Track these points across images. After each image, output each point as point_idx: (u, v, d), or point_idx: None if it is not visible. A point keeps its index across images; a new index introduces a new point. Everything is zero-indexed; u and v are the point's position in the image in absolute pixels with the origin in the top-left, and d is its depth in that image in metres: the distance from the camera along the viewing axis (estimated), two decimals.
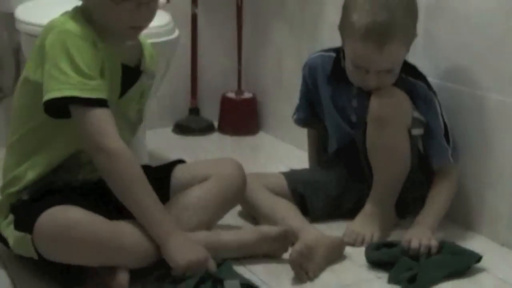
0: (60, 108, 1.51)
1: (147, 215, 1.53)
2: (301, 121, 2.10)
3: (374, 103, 1.79)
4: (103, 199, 1.60)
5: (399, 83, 1.83)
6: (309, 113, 2.06)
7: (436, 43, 1.93)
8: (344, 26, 1.81)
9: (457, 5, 1.86)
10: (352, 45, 1.79)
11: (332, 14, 2.11)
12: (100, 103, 1.51)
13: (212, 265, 1.55)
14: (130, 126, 1.71)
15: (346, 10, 1.80)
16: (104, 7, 1.54)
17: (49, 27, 1.55)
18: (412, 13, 1.80)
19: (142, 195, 1.53)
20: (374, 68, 1.77)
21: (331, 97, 1.95)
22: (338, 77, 1.91)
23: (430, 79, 1.89)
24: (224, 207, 1.76)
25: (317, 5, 2.37)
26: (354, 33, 1.75)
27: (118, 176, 1.52)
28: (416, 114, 1.83)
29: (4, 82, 2.50)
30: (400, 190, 1.86)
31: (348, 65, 1.83)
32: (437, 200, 1.82)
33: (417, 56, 1.93)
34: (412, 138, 1.83)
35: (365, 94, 1.85)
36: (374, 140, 1.81)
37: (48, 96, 1.49)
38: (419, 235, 1.70)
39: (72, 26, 1.53)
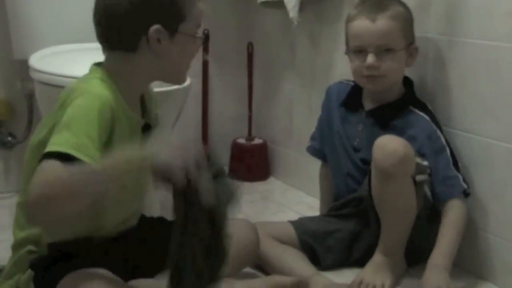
0: None
1: (116, 166, 1.30)
2: (314, 150, 2.12)
3: (378, 155, 1.76)
4: (122, 254, 1.57)
5: (405, 113, 1.88)
6: (322, 143, 2.08)
7: (446, 92, 1.94)
8: (345, 27, 1.91)
9: (465, 56, 1.87)
10: (349, 31, 1.88)
11: (342, 65, 2.13)
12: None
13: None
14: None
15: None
16: (185, 46, 1.52)
17: (80, 92, 1.42)
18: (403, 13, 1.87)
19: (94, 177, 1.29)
20: (370, 43, 1.83)
21: (342, 123, 1.99)
22: (351, 103, 1.97)
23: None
24: (237, 266, 1.73)
25: (327, 55, 2.39)
26: (350, 17, 1.87)
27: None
28: (419, 160, 1.80)
29: (17, 128, 2.52)
30: (408, 238, 1.85)
31: (351, 58, 1.89)
32: (448, 238, 1.80)
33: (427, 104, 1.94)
34: (417, 184, 1.81)
35: (372, 120, 1.91)
36: (380, 191, 1.80)
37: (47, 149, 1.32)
38: (438, 279, 1.70)
39: (105, 93, 1.43)
